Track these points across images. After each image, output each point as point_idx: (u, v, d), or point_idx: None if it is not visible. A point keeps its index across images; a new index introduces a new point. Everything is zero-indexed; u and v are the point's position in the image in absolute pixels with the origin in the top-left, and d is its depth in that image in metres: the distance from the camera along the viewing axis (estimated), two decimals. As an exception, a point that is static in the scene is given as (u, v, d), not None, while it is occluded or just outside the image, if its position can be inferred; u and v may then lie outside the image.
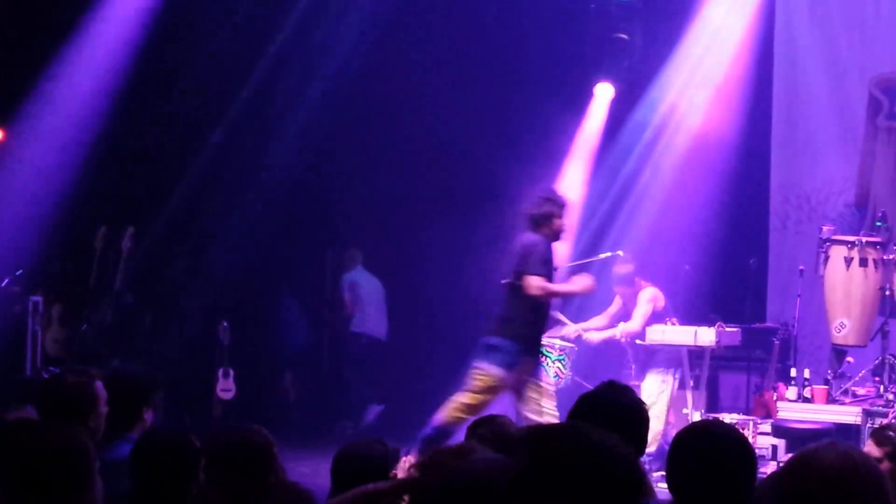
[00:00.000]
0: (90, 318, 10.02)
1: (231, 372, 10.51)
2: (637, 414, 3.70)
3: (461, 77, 11.21)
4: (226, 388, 10.51)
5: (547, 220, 7.77)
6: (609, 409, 3.62)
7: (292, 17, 10.78)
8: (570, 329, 9.43)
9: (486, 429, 4.29)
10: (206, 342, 10.65)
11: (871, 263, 9.10)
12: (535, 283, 7.50)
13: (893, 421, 7.55)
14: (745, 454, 3.12)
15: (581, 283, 8.01)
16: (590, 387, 4.40)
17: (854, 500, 2.36)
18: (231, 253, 10.78)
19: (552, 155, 11.10)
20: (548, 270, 7.71)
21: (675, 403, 9.27)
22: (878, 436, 5.38)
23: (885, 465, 4.99)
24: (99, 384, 4.46)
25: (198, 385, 10.47)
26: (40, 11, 10.20)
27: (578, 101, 11.29)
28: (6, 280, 9.72)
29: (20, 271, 9.90)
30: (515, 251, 7.71)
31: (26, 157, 10.23)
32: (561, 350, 9.06)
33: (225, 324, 10.52)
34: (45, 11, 10.18)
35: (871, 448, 5.14)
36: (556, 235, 7.87)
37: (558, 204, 7.90)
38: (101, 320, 10.12)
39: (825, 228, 9.65)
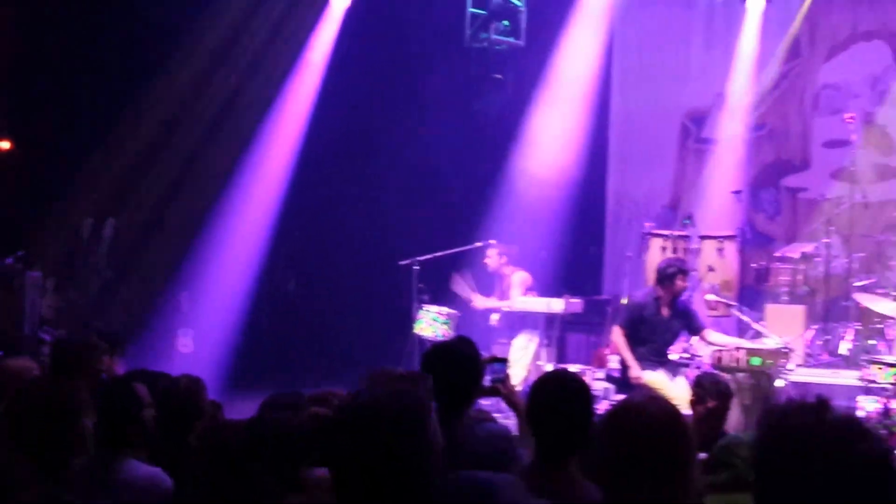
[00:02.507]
0: (77, 289, 9.89)
1: (189, 331, 10.39)
2: (473, 359, 3.71)
3: (378, 98, 11.11)
4: (185, 343, 10.40)
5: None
6: (454, 355, 3.70)
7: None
8: (470, 295, 9.51)
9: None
10: (170, 308, 10.48)
11: (679, 251, 9.17)
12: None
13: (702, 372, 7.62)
14: (583, 394, 3.17)
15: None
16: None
17: (661, 439, 2.29)
18: (186, 239, 10.59)
19: (445, 157, 11.08)
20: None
21: (534, 356, 9.27)
22: (697, 382, 5.39)
23: (711, 404, 5.10)
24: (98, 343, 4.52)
25: (162, 341, 10.31)
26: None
27: (466, 122, 11.26)
28: (9, 259, 9.50)
29: (21, 252, 9.68)
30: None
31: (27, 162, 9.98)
32: (448, 315, 9.14)
33: (185, 293, 10.40)
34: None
35: (711, 402, 5.14)
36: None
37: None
38: (85, 291, 10.00)
39: (647, 225, 9.74)
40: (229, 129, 10.61)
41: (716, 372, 7.04)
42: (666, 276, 7.69)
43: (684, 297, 7.89)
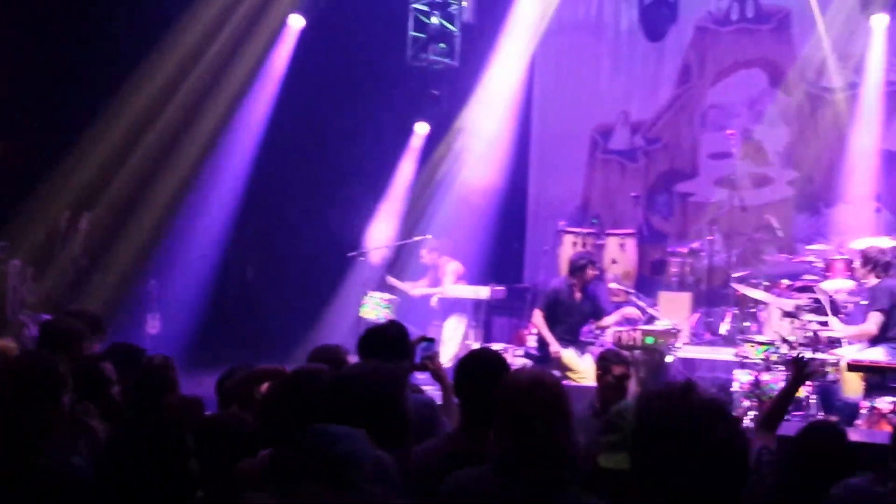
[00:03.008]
0: (55, 277, 9.76)
1: (157, 315, 10.30)
2: (401, 340, 3.73)
3: (330, 107, 10.98)
4: (153, 325, 10.29)
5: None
6: (384, 337, 3.72)
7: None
8: (405, 287, 9.59)
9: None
10: (140, 294, 10.38)
11: (588, 246, 9.38)
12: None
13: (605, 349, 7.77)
14: (502, 368, 3.17)
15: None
16: (411, 327, 4.35)
17: (540, 401, 2.43)
18: (155, 231, 10.54)
19: (388, 163, 11.18)
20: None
21: (463, 337, 9.35)
22: (602, 356, 5.33)
23: (617, 371, 5.02)
24: (82, 327, 4.41)
25: (132, 324, 10.20)
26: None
27: (407, 132, 11.33)
28: None
29: (4, 242, 9.51)
30: None
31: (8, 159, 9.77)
32: (389, 301, 9.17)
33: (154, 281, 10.32)
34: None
35: (623, 369, 5.04)
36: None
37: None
38: (63, 279, 9.86)
39: (561, 223, 9.98)
40: (194, 132, 10.47)
41: (616, 349, 7.39)
42: (578, 267, 7.86)
43: (593, 286, 8.06)
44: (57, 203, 10.02)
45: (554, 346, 7.76)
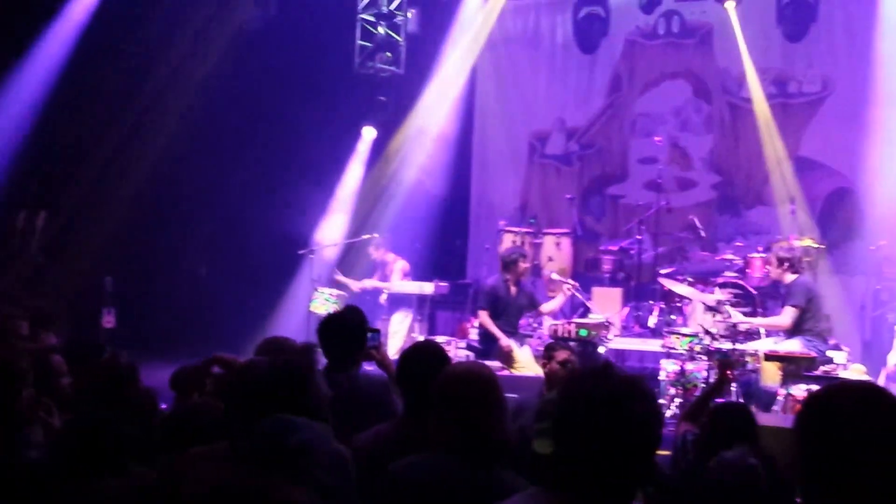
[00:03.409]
0: (13, 273, 9.46)
1: (112, 309, 10.05)
2: (360, 326, 3.75)
3: (285, 110, 10.90)
4: (108, 320, 10.04)
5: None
6: (343, 322, 3.76)
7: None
8: (351, 283, 9.50)
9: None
10: (96, 289, 10.11)
11: (526, 244, 9.39)
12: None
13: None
14: (442, 360, 3.16)
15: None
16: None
17: (474, 391, 2.47)
18: (110, 229, 10.26)
19: (338, 165, 11.09)
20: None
21: (409, 330, 9.36)
22: (564, 346, 5.34)
23: (561, 356, 5.00)
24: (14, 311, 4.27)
25: (89, 318, 9.94)
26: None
27: (355, 136, 11.24)
28: None
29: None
30: None
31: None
32: (338, 296, 9.12)
33: (109, 278, 10.06)
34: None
35: (566, 354, 5.08)
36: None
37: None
38: (20, 275, 9.57)
39: (501, 223, 9.99)
40: (146, 133, 10.29)
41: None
42: (510, 262, 7.82)
43: (528, 280, 8.15)
44: (13, 202, 9.72)
45: (504, 341, 7.68)
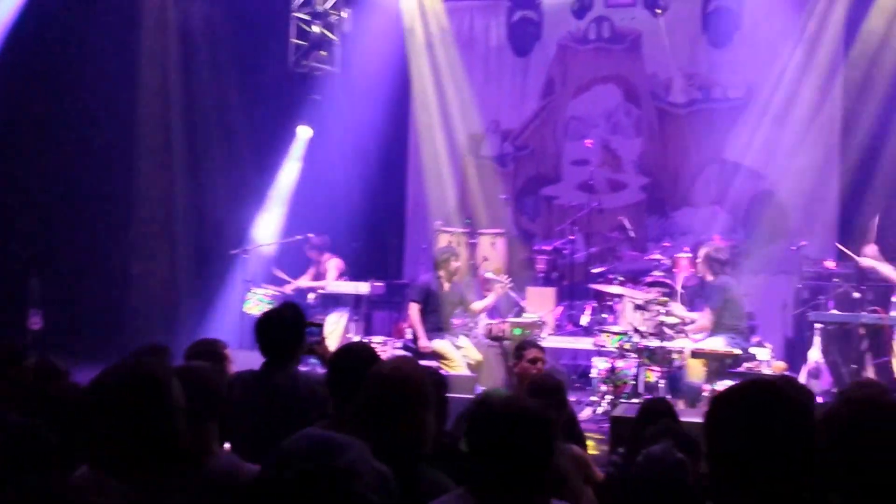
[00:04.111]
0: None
1: (39, 311, 9.72)
2: (298, 322, 3.70)
3: (219, 111, 10.67)
4: (35, 322, 9.71)
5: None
6: (280, 318, 3.69)
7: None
8: (292, 282, 9.41)
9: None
10: (23, 291, 9.77)
11: (461, 244, 9.41)
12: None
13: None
14: (373, 361, 3.05)
15: None
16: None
17: (399, 389, 2.46)
18: (37, 230, 9.92)
19: (272, 163, 10.94)
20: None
21: (344, 330, 9.25)
22: (536, 344, 5.43)
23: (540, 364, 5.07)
24: None
25: (15, 319, 9.59)
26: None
27: (290, 135, 11.06)
28: None
29: None
30: None
31: None
32: (272, 297, 9.00)
33: (35, 279, 9.73)
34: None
35: (537, 352, 5.13)
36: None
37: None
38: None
39: (437, 223, 9.99)
40: (64, 136, 9.99)
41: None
42: (442, 260, 7.89)
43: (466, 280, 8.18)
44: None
45: (423, 342, 7.69)
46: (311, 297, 9.40)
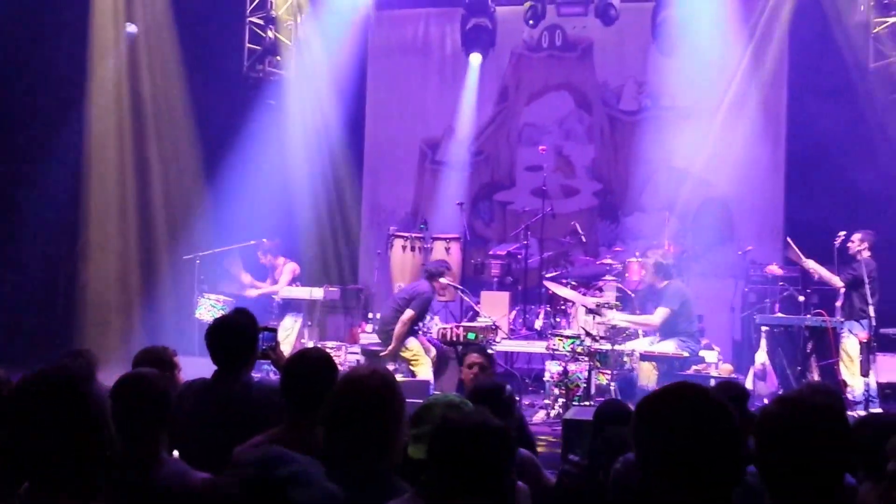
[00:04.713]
0: None
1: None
2: (250, 329, 3.62)
3: (169, 116, 10.50)
4: None
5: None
6: (232, 325, 3.60)
7: None
8: (244, 280, 9.35)
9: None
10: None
11: (417, 249, 9.43)
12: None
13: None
14: (328, 367, 3.07)
15: None
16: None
17: (368, 396, 2.36)
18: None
19: (226, 168, 10.61)
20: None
21: (298, 335, 9.20)
22: (478, 350, 5.29)
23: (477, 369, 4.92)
24: None
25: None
26: None
27: (244, 139, 10.74)
28: None
29: None
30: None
31: None
32: (224, 302, 8.92)
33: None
34: None
35: (476, 357, 4.98)
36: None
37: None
38: None
39: (392, 228, 9.93)
40: (10, 137, 9.75)
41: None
42: (437, 273, 8.05)
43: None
44: None
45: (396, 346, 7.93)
46: (252, 293, 9.32)
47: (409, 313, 7.83)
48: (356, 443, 2.31)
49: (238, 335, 3.57)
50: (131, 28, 10.14)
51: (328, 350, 7.75)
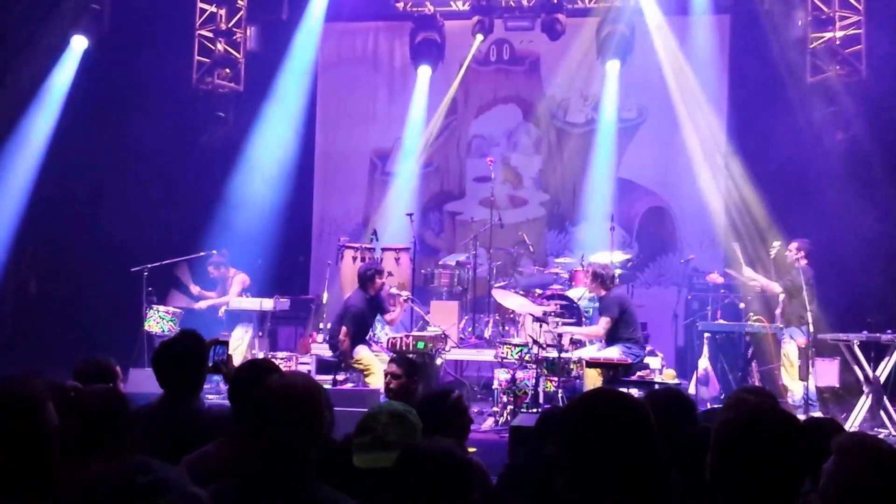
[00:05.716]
0: None
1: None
2: (196, 351, 3.55)
3: (119, 127, 10.33)
4: None
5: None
6: (179, 348, 3.52)
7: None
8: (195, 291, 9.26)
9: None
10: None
11: (367, 260, 9.24)
12: None
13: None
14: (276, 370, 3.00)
15: None
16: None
17: (298, 405, 2.31)
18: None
19: (176, 180, 10.64)
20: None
21: (249, 346, 9.08)
22: (396, 359, 4.85)
23: (402, 380, 4.55)
24: None
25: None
26: None
27: (193, 152, 10.68)
28: None
29: None
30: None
31: None
32: (173, 314, 8.84)
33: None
34: None
35: (392, 367, 4.64)
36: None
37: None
38: None
39: (342, 239, 9.98)
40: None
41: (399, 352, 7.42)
42: (367, 278, 7.90)
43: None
44: None
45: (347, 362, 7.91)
46: (221, 311, 9.23)
47: (343, 329, 7.77)
48: (272, 452, 2.26)
49: (184, 358, 3.50)
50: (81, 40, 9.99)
51: (277, 361, 7.75)
